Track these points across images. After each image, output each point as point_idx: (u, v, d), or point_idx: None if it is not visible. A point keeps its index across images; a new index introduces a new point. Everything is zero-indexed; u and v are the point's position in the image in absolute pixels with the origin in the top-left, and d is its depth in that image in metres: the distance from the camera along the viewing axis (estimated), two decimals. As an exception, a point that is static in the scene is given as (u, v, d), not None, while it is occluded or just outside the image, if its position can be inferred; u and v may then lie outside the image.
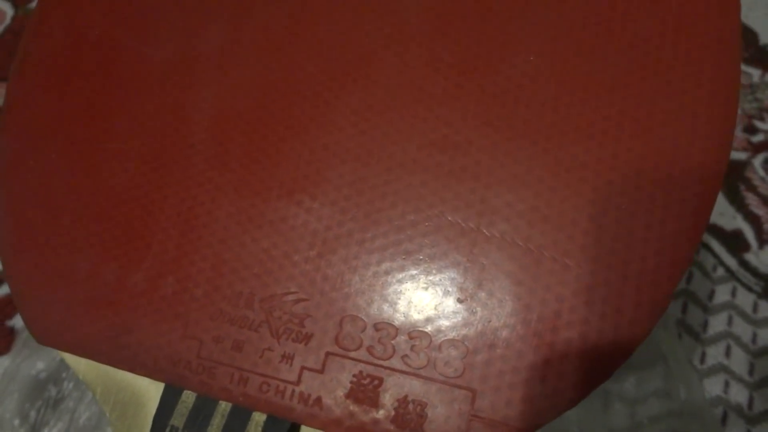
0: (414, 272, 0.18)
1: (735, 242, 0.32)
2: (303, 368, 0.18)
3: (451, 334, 0.18)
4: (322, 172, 0.20)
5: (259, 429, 0.18)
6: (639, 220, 0.17)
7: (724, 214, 0.33)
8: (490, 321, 0.17)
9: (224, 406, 0.19)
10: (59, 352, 0.21)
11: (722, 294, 0.31)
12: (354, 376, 0.18)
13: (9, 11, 0.42)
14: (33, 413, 0.28)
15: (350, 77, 0.20)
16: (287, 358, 0.19)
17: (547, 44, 0.19)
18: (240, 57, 0.21)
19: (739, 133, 0.34)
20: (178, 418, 0.19)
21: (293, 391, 0.18)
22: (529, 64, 0.19)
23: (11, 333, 0.31)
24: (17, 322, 0.32)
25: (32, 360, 0.29)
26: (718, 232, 0.32)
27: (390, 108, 0.20)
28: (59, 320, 0.21)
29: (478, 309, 0.18)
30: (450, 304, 0.18)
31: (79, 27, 0.24)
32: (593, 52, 0.19)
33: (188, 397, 0.19)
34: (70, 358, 0.21)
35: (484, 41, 0.19)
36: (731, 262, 0.31)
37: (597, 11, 0.19)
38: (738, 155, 0.34)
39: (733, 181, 0.33)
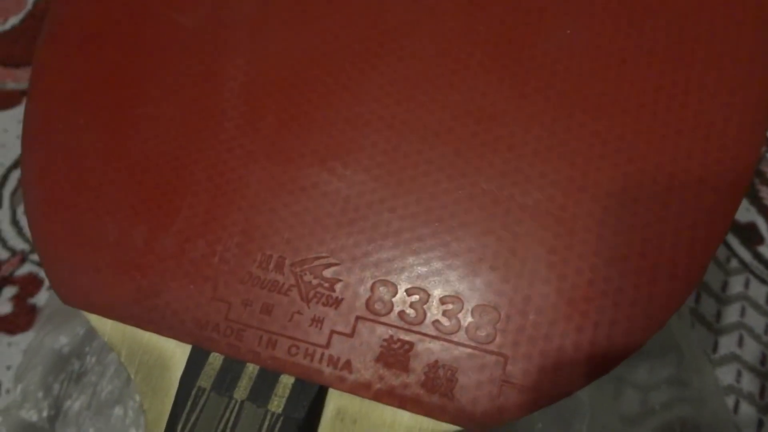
0: (447, 239, 0.18)
1: (749, 235, 0.32)
2: (333, 332, 0.18)
3: (484, 301, 0.18)
4: (356, 140, 0.20)
5: (287, 392, 0.18)
6: (674, 193, 0.17)
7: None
8: (522, 288, 0.17)
9: (252, 369, 0.19)
10: (85, 313, 0.21)
11: (736, 285, 0.31)
12: (384, 340, 0.18)
13: (31, -4, 0.43)
14: (56, 386, 0.28)
15: (386, 47, 0.20)
16: (317, 321, 0.19)
17: (583, 18, 0.19)
18: (273, 24, 0.21)
19: None
20: (206, 380, 0.19)
21: (322, 354, 0.18)
22: (565, 37, 0.19)
23: (33, 310, 0.32)
24: (39, 299, 0.32)
25: (55, 334, 0.29)
26: (732, 224, 0.33)
27: (425, 78, 0.20)
28: (87, 283, 0.21)
29: (511, 276, 0.18)
30: (483, 271, 0.18)
31: (112, -7, 0.24)
32: (631, 26, 0.19)
33: (215, 360, 0.19)
34: (96, 320, 0.21)
35: (520, 14, 0.20)
36: (745, 254, 0.32)
37: (635, -13, 0.19)
38: None
39: None
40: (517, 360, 0.17)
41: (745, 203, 0.33)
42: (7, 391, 0.30)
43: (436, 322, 0.18)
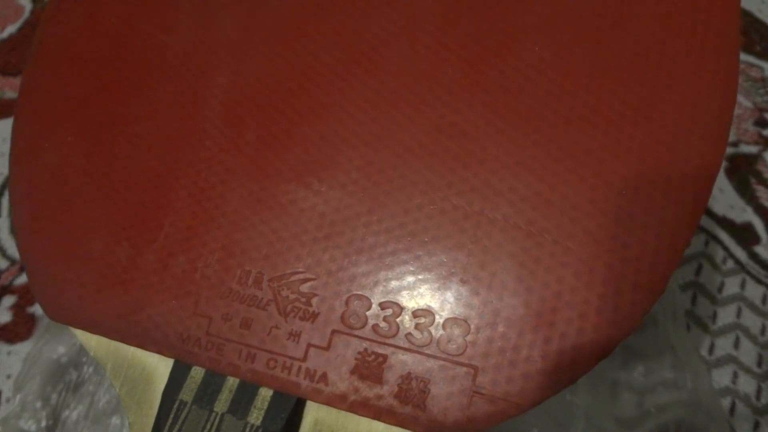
0: (419, 253, 0.19)
1: (745, 235, 0.32)
2: (309, 345, 0.19)
3: (454, 313, 0.18)
4: (332, 156, 0.20)
5: (266, 404, 0.19)
6: (639, 206, 0.18)
7: (734, 206, 0.33)
8: (492, 301, 0.18)
9: (232, 382, 0.19)
10: (71, 328, 0.21)
11: (732, 286, 0.31)
12: (359, 353, 0.18)
13: (28, 5, 0.43)
14: (54, 396, 0.28)
15: (361, 66, 0.21)
16: (294, 335, 0.19)
17: (551, 36, 0.19)
18: (253, 45, 0.22)
19: (750, 127, 0.34)
20: (187, 393, 0.19)
21: (299, 367, 0.19)
22: (533, 54, 0.19)
23: (32, 319, 0.32)
24: (38, 308, 0.32)
25: (53, 344, 0.29)
26: (728, 224, 0.32)
27: (399, 95, 0.20)
28: (72, 298, 0.21)
29: (481, 289, 0.18)
30: (453, 284, 0.18)
31: (96, 14, 0.24)
32: (597, 44, 0.19)
33: (197, 373, 0.20)
34: (82, 335, 0.21)
35: (490, 32, 0.20)
36: (741, 254, 0.32)
37: (601, 5, 0.19)
38: (749, 148, 0.34)
39: (744, 174, 0.33)
40: (486, 371, 0.17)
41: (741, 203, 0.33)
42: (7, 400, 0.30)
43: (408, 335, 0.18)
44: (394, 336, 0.18)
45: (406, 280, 0.19)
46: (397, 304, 0.19)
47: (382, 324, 0.18)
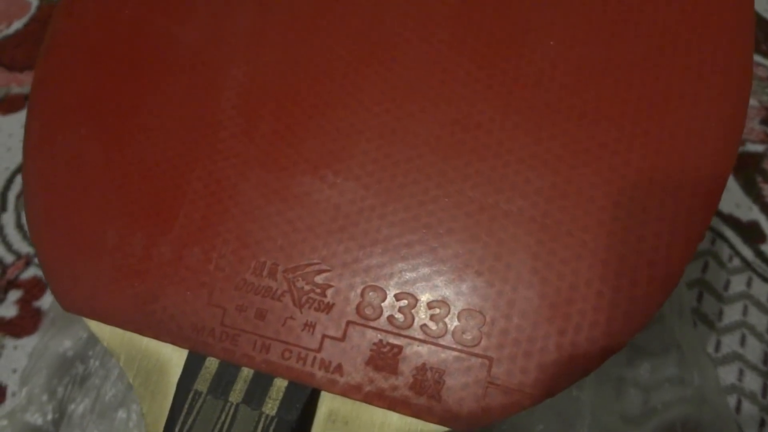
0: (434, 245, 0.19)
1: (751, 233, 0.32)
2: (324, 336, 0.19)
3: (469, 305, 0.18)
4: (347, 148, 0.20)
5: (281, 394, 0.19)
6: (653, 198, 0.18)
7: (740, 205, 0.33)
8: (507, 292, 0.18)
9: (246, 372, 0.19)
10: (84, 319, 0.22)
11: (738, 284, 0.31)
12: (374, 344, 0.19)
13: (34, 1, 0.43)
14: (60, 389, 0.28)
15: (376, 58, 0.21)
16: (309, 326, 0.19)
17: (567, 30, 0.20)
18: (269, 38, 0.22)
19: (756, 126, 0.34)
20: (202, 384, 0.20)
21: (314, 358, 0.19)
22: (549, 49, 0.20)
23: (38, 313, 0.32)
24: (44, 302, 0.32)
25: (59, 338, 0.29)
26: (734, 222, 0.33)
27: (415, 88, 0.20)
28: (87, 289, 0.21)
29: (496, 281, 0.18)
30: (469, 276, 0.18)
31: (109, 5, 0.24)
32: (612, 38, 0.19)
33: (211, 364, 0.20)
34: (95, 326, 0.21)
35: (506, 26, 0.20)
36: (747, 252, 0.32)
37: (617, 1, 0.19)
38: (755, 147, 0.34)
39: (750, 172, 0.33)
40: (501, 362, 0.18)
41: (747, 201, 0.33)
42: (13, 394, 0.30)
43: (423, 326, 0.18)
44: (409, 327, 0.18)
45: (421, 272, 0.19)
46: (412, 296, 0.19)
47: (398, 315, 0.19)
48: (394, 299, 0.19)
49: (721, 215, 0.33)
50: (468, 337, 0.18)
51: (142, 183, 0.22)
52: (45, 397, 0.28)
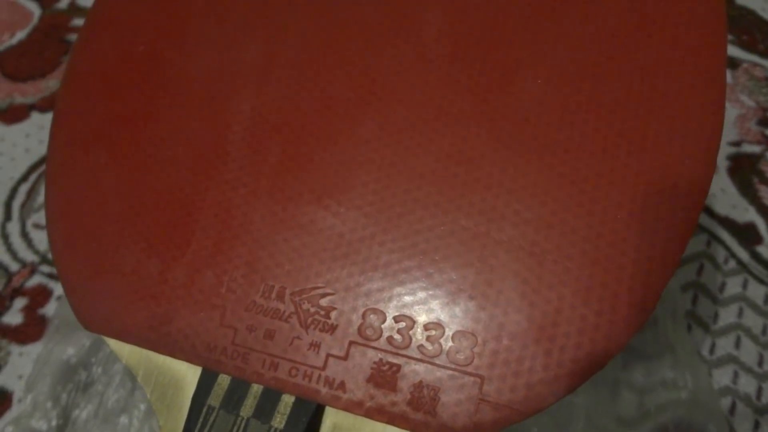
0: (430, 270, 0.20)
1: (747, 235, 0.32)
2: (328, 355, 0.20)
3: (463, 327, 0.20)
4: (349, 180, 0.22)
5: (288, 409, 0.20)
6: (633, 229, 0.19)
7: (736, 206, 0.33)
8: (497, 316, 0.20)
9: (256, 389, 0.21)
10: (104, 337, 0.23)
11: (733, 286, 0.31)
12: (374, 363, 0.20)
13: (36, 11, 0.44)
14: (64, 396, 0.30)
15: (376, 95, 0.22)
16: (314, 346, 0.21)
17: (553, 70, 0.21)
18: (274, 73, 0.24)
19: (753, 126, 0.34)
20: (215, 399, 0.21)
21: (319, 375, 0.20)
22: (536, 87, 0.21)
23: (43, 321, 0.33)
24: (48, 310, 0.33)
25: (63, 345, 0.30)
26: (730, 224, 0.33)
27: (411, 124, 0.22)
28: (107, 310, 0.23)
29: (488, 305, 0.20)
30: (462, 300, 0.20)
31: (125, 42, 0.26)
32: (594, 77, 0.21)
33: (224, 380, 0.21)
34: (114, 344, 0.23)
35: (496, 66, 0.22)
36: (743, 254, 0.32)
37: (598, 41, 0.21)
38: (752, 148, 0.34)
39: (747, 173, 0.33)
40: (492, 380, 0.19)
41: (744, 203, 0.33)
42: (19, 400, 0.31)
43: (420, 346, 0.20)
44: (407, 347, 0.20)
45: (418, 296, 0.20)
46: (410, 318, 0.20)
47: (396, 336, 0.20)
48: (393, 321, 0.20)
49: (716, 217, 0.33)
50: (461, 357, 0.19)
51: (156, 210, 0.23)
52: (49, 404, 0.29)
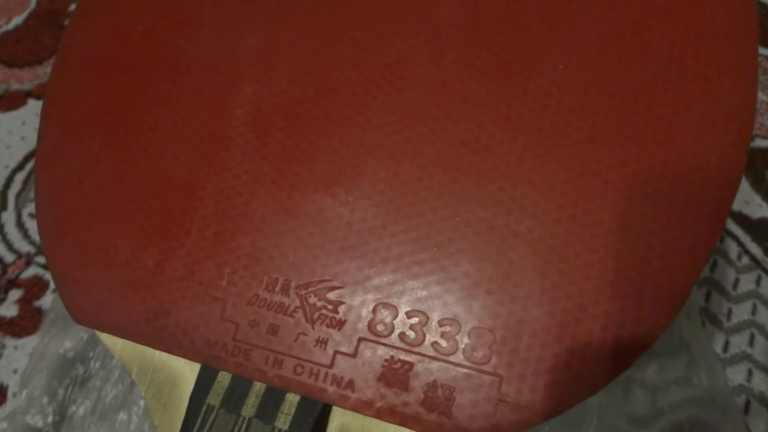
0: (445, 263, 0.19)
1: (760, 231, 0.31)
2: (336, 352, 0.19)
3: (480, 323, 0.19)
4: (358, 167, 0.21)
5: (293, 409, 0.19)
6: (659, 222, 0.18)
7: (749, 202, 0.32)
8: (517, 311, 0.18)
9: (259, 387, 0.20)
10: (96, 332, 0.22)
11: (747, 283, 0.31)
12: (386, 360, 0.19)
13: (34, -5, 0.43)
14: (61, 391, 0.28)
15: (386, 79, 0.21)
16: (321, 342, 0.20)
17: (574, 54, 0.20)
18: (279, 56, 0.22)
19: (766, 121, 0.34)
20: (215, 398, 0.20)
21: (327, 373, 0.19)
22: (557, 72, 0.20)
23: (39, 313, 0.32)
24: (44, 302, 0.32)
25: (60, 339, 0.29)
26: (743, 220, 0.32)
27: (424, 109, 0.21)
28: (99, 302, 0.22)
29: (506, 300, 0.19)
30: (479, 294, 0.19)
31: (122, 22, 0.25)
32: (619, 62, 0.20)
33: (224, 378, 0.20)
34: (107, 339, 0.22)
35: (515, 49, 0.21)
36: (756, 250, 0.31)
37: (623, 24, 0.20)
38: (765, 143, 0.34)
39: (760, 169, 0.33)
40: (511, 380, 0.18)
41: (757, 198, 0.32)
42: (14, 395, 0.30)
43: (434, 343, 0.19)
44: (420, 344, 0.19)
45: (433, 290, 0.19)
46: (424, 313, 0.19)
47: (409, 332, 0.19)
48: (405, 316, 0.19)
49: (729, 212, 0.32)
50: (478, 354, 0.18)
51: (153, 198, 0.22)
52: (45, 399, 0.28)
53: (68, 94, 0.24)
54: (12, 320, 0.32)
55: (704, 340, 0.28)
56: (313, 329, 0.20)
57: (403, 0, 0.22)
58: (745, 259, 0.31)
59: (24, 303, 0.33)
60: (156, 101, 0.23)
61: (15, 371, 0.31)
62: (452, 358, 0.19)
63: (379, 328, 0.19)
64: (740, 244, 0.31)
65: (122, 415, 0.28)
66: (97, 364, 0.29)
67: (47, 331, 0.30)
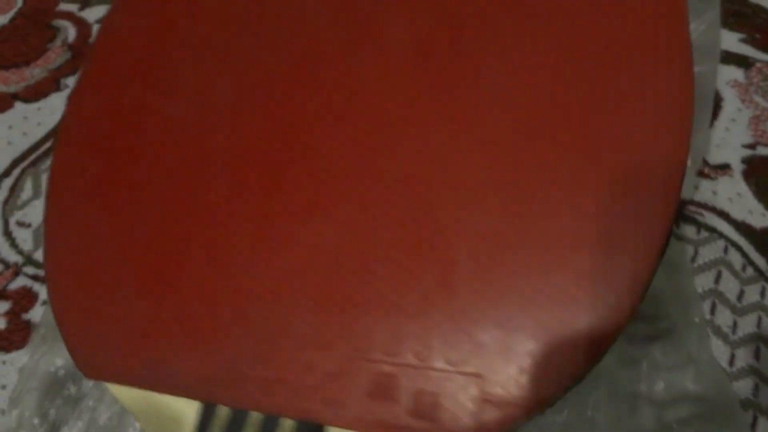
0: (418, 274, 0.20)
1: (765, 241, 0.31)
2: (325, 374, 0.20)
3: (459, 327, 0.19)
4: (330, 197, 0.22)
5: (290, 433, 0.20)
6: (615, 209, 0.19)
7: (753, 211, 0.32)
8: (488, 310, 0.19)
9: (256, 416, 0.20)
10: (104, 383, 0.23)
11: (752, 294, 0.30)
12: (372, 376, 0.19)
13: (21, -5, 0.41)
14: (52, 411, 0.28)
15: (342, 118, 0.23)
16: (309, 365, 0.20)
17: (518, 64, 0.21)
18: (247, 106, 0.24)
19: None
20: (216, 431, 0.20)
21: (317, 395, 0.20)
22: (500, 89, 0.21)
23: (28, 326, 0.30)
24: (33, 315, 0.31)
25: (51, 356, 0.29)
26: (747, 230, 0.31)
27: (370, 144, 0.23)
28: (103, 355, 0.23)
29: (478, 300, 0.19)
30: (449, 298, 0.19)
31: (113, 94, 0.26)
32: (556, 72, 0.21)
33: (222, 411, 0.21)
34: (114, 388, 0.23)
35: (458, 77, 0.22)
36: (761, 261, 0.31)
37: (559, 38, 0.21)
38: (767, 150, 0.33)
39: (763, 177, 0.32)
40: (492, 378, 0.18)
41: (760, 208, 0.32)
42: (2, 413, 0.28)
43: (417, 353, 0.19)
44: (401, 355, 0.19)
45: (409, 299, 0.20)
46: (405, 324, 0.20)
47: (392, 345, 0.20)
48: (387, 332, 0.20)
49: (733, 222, 0.31)
50: (458, 357, 0.19)
51: (147, 254, 0.23)
52: (36, 420, 0.27)
53: (69, 165, 0.26)
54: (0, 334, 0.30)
55: (711, 355, 0.28)
56: (301, 354, 0.20)
57: (352, 46, 0.24)
58: (750, 271, 0.30)
59: (12, 316, 0.31)
60: (143, 163, 0.25)
61: (3, 387, 0.29)
62: (435, 365, 0.19)
63: (363, 345, 0.20)
64: (744, 255, 0.31)
65: (117, 438, 0.27)
66: (90, 384, 0.28)
67: (37, 348, 0.29)
